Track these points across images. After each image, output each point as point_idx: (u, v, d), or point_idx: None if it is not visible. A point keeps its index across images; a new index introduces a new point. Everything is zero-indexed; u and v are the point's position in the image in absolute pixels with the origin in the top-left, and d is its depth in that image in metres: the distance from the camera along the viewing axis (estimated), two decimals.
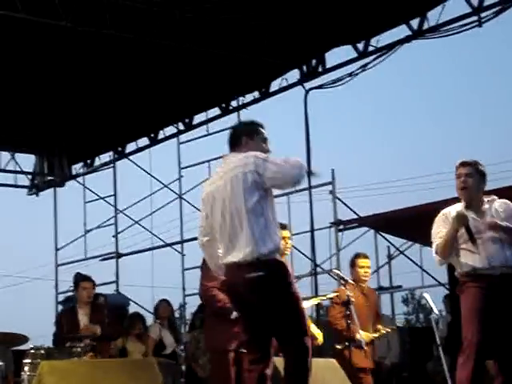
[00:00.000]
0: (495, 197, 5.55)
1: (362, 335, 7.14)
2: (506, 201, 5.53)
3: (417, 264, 13.39)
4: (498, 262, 5.30)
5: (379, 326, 7.56)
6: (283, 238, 6.74)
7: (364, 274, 7.46)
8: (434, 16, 9.54)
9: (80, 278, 8.44)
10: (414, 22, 9.74)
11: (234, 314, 5.95)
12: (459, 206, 5.47)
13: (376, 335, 7.45)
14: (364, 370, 7.26)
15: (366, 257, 7.59)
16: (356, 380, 6.99)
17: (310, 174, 4.95)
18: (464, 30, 9.32)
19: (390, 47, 9.94)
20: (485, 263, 5.29)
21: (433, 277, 13.04)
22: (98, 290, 12.55)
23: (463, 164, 5.48)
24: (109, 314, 8.18)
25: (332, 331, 7.32)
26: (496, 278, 5.28)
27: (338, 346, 7.14)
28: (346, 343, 7.01)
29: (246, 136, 4.89)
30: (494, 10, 9.11)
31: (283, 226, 6.78)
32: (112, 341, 7.90)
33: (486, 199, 5.50)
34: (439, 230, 5.46)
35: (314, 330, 6.91)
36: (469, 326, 5.28)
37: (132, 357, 8.88)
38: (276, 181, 4.71)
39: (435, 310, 7.36)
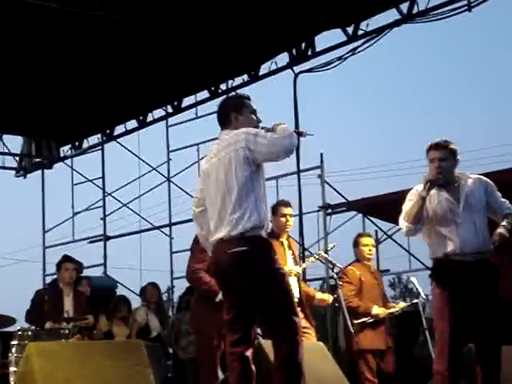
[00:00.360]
0: (467, 173, 5.38)
1: (378, 310, 7.19)
2: (480, 177, 5.39)
3: (404, 248, 13.42)
4: (470, 248, 5.17)
5: (392, 304, 7.59)
6: (286, 215, 6.90)
7: (369, 252, 7.48)
8: (423, 0, 9.54)
9: (62, 259, 8.46)
10: (404, 6, 9.73)
11: (219, 297, 6.03)
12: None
13: (392, 310, 7.45)
14: (377, 352, 7.28)
15: (369, 235, 7.73)
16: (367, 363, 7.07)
17: (298, 135, 4.89)
18: (454, 15, 9.32)
19: (380, 31, 9.94)
20: (457, 248, 5.16)
21: (420, 261, 13.07)
22: (86, 272, 12.62)
23: (436, 147, 5.27)
24: (89, 302, 8.20)
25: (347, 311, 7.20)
26: (467, 264, 5.16)
27: (357, 321, 7.12)
28: (364, 319, 7.07)
29: (234, 112, 4.89)
30: None
31: (286, 203, 7.00)
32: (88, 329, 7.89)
33: (458, 176, 5.32)
34: (410, 198, 5.32)
35: (320, 294, 6.98)
36: (439, 318, 5.21)
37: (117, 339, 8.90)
38: (269, 155, 4.70)
39: (422, 294, 7.41)
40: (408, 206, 5.30)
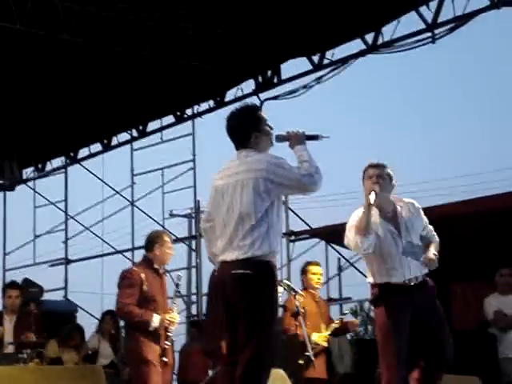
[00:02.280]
0: (396, 198, 5.40)
1: (316, 337, 7.21)
2: (412, 201, 5.42)
3: (366, 276, 13.48)
4: (413, 275, 5.23)
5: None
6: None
7: (317, 281, 7.50)
8: (388, 31, 9.67)
9: (6, 285, 8.29)
10: (369, 37, 9.85)
11: (153, 326, 6.24)
12: (375, 216, 5.27)
13: (329, 332, 7.44)
14: (317, 381, 7.29)
15: (317, 264, 7.66)
16: None
17: (313, 139, 4.77)
18: (418, 46, 9.44)
19: (345, 61, 10.04)
20: (400, 278, 5.21)
21: None
22: (46, 295, 12.50)
23: (374, 166, 5.32)
24: (38, 322, 8.01)
25: (288, 341, 7.27)
26: (409, 288, 5.21)
27: (301, 362, 7.07)
28: (307, 353, 7.01)
29: (254, 131, 4.74)
30: (448, 26, 9.25)
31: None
32: (36, 348, 7.77)
33: (393, 201, 5.36)
34: (351, 224, 5.28)
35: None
36: (385, 344, 5.17)
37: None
38: (291, 189, 4.70)
39: None
40: (354, 225, 5.25)
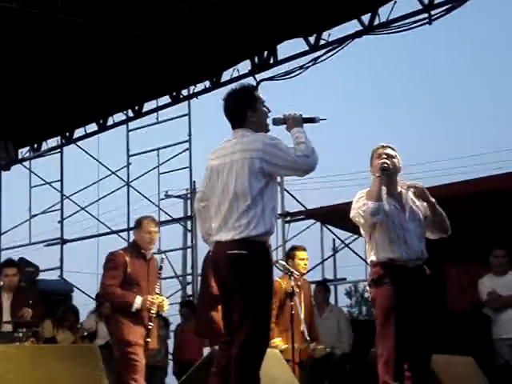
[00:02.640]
0: (402, 181, 5.50)
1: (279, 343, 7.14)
2: (414, 182, 5.50)
3: (361, 257, 13.54)
4: (414, 255, 5.29)
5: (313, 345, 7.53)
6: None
7: (304, 266, 7.48)
8: (385, 12, 9.64)
9: (2, 264, 8.35)
10: (366, 18, 9.82)
11: (135, 307, 6.37)
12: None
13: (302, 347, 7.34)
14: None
15: (304, 249, 7.60)
16: None
17: (311, 121, 4.79)
18: (414, 27, 9.43)
19: (341, 41, 10.03)
20: (403, 254, 5.26)
21: None
22: (42, 275, 12.54)
23: (385, 147, 5.45)
24: (33, 297, 8.05)
25: None
26: (409, 270, 5.27)
27: (283, 346, 7.06)
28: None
29: (250, 109, 4.76)
30: (445, 7, 9.24)
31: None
32: (32, 327, 7.80)
33: (400, 185, 5.46)
34: (360, 197, 5.36)
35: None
36: (384, 323, 5.22)
37: None
38: (289, 171, 4.71)
39: None
40: (361, 197, 5.32)
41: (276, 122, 4.81)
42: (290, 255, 7.54)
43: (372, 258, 5.41)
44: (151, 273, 6.59)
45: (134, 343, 6.35)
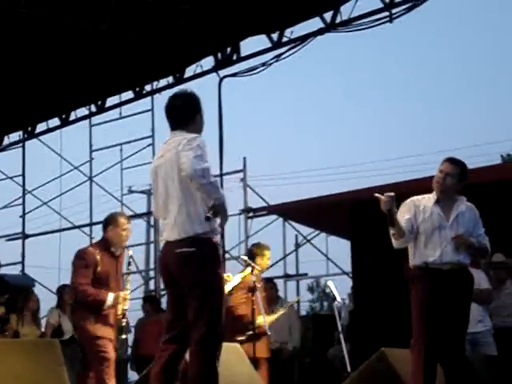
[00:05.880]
0: (464, 198, 5.68)
1: (266, 319, 7.28)
2: (472, 205, 5.67)
3: (322, 253, 13.68)
4: (449, 260, 5.48)
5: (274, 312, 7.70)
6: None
7: (268, 264, 7.61)
8: (347, 10, 9.73)
9: None
10: (328, 15, 9.90)
11: (107, 304, 6.33)
12: (431, 197, 5.61)
13: (275, 316, 7.56)
14: (262, 360, 7.39)
15: (268, 248, 7.67)
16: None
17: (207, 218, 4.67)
18: (375, 25, 9.52)
19: (304, 39, 10.09)
20: (437, 258, 5.47)
21: (337, 265, 13.34)
22: (3, 270, 12.44)
23: (449, 160, 5.60)
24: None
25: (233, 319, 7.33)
26: (445, 272, 5.46)
27: (241, 338, 7.13)
28: (250, 332, 7.11)
29: (195, 114, 4.83)
30: (405, 6, 9.34)
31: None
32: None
33: (456, 197, 5.64)
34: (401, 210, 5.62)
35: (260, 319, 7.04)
36: (416, 324, 5.44)
37: None
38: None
39: (338, 298, 7.58)
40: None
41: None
42: (256, 252, 7.58)
43: (411, 261, 5.62)
44: (120, 269, 6.60)
45: (103, 337, 6.31)
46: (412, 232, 5.53)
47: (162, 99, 12.32)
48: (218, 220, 4.72)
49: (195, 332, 4.61)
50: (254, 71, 10.43)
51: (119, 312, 6.46)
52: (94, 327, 6.31)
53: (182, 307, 4.71)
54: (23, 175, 14.54)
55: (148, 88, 12.26)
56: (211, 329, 4.61)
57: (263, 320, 7.20)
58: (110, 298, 6.34)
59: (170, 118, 4.88)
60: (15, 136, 14.44)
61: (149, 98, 12.91)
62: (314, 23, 9.99)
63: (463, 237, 5.49)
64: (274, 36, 10.41)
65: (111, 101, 12.82)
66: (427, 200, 5.61)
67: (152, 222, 14.44)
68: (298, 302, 7.76)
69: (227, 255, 11.56)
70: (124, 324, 6.52)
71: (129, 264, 6.73)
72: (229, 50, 10.99)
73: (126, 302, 6.47)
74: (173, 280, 4.75)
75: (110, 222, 6.57)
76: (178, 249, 4.64)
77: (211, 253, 4.69)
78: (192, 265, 4.62)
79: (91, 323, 6.33)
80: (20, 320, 9.06)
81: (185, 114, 4.83)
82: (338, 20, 9.83)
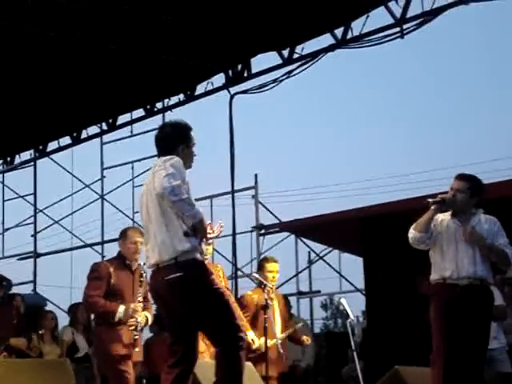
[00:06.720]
0: (481, 210, 5.66)
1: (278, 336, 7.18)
2: (493, 218, 5.64)
3: (335, 270, 13.59)
4: (465, 273, 5.44)
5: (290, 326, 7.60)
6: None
7: (272, 278, 7.37)
8: (358, 26, 9.71)
9: None
10: (339, 31, 9.89)
11: (118, 316, 6.27)
12: (447, 214, 5.61)
13: (284, 335, 7.44)
14: (273, 379, 7.26)
15: (275, 261, 7.50)
16: None
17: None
18: (386, 41, 9.50)
19: (315, 55, 10.08)
20: (454, 273, 5.44)
21: (351, 283, 13.25)
22: (15, 289, 12.42)
23: (459, 178, 5.60)
24: (20, 316, 8.02)
25: None
26: (462, 288, 5.43)
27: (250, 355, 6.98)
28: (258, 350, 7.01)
29: (182, 144, 4.85)
30: (417, 21, 9.32)
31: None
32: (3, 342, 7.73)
33: (474, 211, 5.62)
34: None
35: (250, 335, 6.94)
36: (436, 340, 5.41)
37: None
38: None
39: (351, 316, 7.51)
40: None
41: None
42: (259, 266, 7.53)
43: (431, 276, 5.61)
44: (136, 284, 6.55)
45: (121, 356, 6.26)
46: (430, 237, 5.52)
47: (173, 116, 12.33)
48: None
49: (218, 343, 4.68)
50: (265, 88, 10.43)
51: (130, 324, 6.38)
52: (113, 345, 6.25)
53: (180, 328, 4.72)
54: (35, 194, 14.55)
55: (159, 105, 12.26)
56: (228, 333, 4.63)
57: (261, 341, 7.07)
58: (121, 309, 6.28)
59: (156, 146, 4.97)
60: (26, 155, 14.46)
61: (160, 116, 12.89)
62: (325, 39, 10.01)
63: (475, 230, 5.45)
64: (285, 52, 10.40)
65: (122, 119, 12.85)
66: (445, 213, 5.60)
67: None
68: (303, 325, 7.63)
69: (239, 273, 11.50)
70: (137, 337, 6.44)
71: (141, 276, 6.67)
72: (240, 66, 11.00)
73: (138, 314, 6.41)
74: (167, 304, 4.76)
75: (121, 236, 6.67)
76: (166, 276, 4.64)
77: (199, 275, 4.67)
78: (183, 292, 4.63)
79: (109, 341, 6.28)
80: (40, 339, 9.04)
81: (167, 143, 4.88)
82: (348, 36, 9.82)
